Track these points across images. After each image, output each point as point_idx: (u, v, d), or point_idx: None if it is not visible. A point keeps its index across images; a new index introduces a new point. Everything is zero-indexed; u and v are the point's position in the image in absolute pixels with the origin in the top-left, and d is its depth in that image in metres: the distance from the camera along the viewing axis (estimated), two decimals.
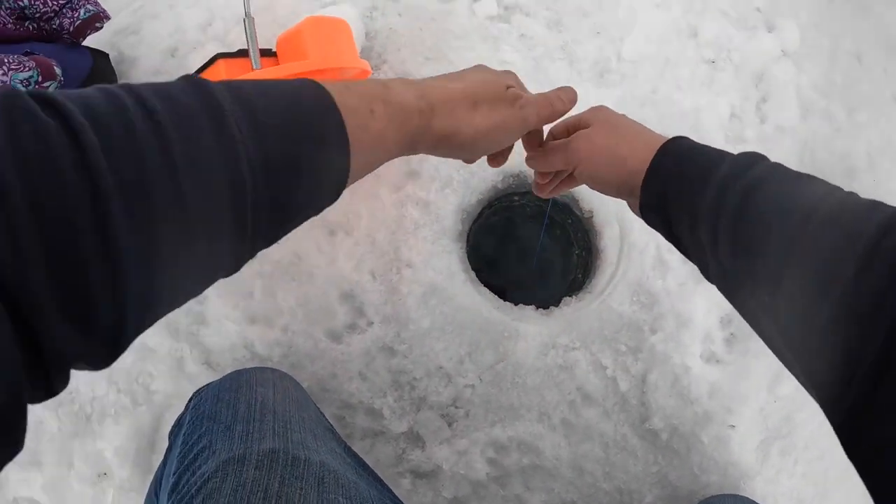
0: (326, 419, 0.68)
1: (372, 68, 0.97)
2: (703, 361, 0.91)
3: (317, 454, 0.53)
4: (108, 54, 1.00)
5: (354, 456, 0.64)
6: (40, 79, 0.83)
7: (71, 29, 0.92)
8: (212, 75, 0.76)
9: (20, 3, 0.87)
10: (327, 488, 0.51)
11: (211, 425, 0.56)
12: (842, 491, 0.97)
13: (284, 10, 1.04)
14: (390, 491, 0.63)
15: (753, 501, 0.81)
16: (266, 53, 0.79)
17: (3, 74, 0.79)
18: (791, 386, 0.95)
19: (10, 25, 0.87)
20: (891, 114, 1.29)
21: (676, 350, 0.88)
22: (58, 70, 0.85)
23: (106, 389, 0.92)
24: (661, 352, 0.88)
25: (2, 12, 0.86)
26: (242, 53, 0.77)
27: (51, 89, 0.78)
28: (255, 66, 0.77)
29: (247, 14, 0.77)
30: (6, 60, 0.80)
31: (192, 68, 1.01)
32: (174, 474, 0.54)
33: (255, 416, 0.56)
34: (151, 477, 0.84)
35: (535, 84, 0.98)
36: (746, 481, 0.92)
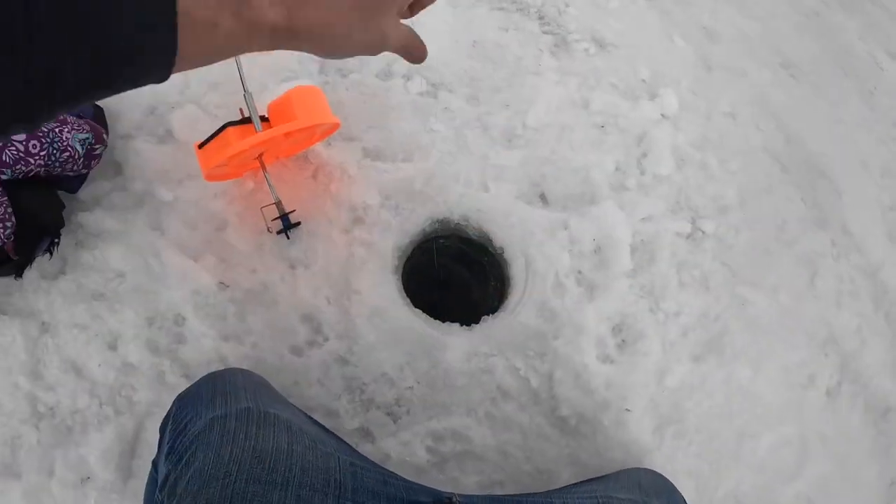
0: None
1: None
2: (599, 361, 1.10)
3: (284, 413, 0.67)
4: (102, 108, 1.09)
5: (316, 422, 0.77)
6: (94, 141, 0.95)
7: None
8: (221, 141, 0.92)
9: None
10: (295, 436, 0.63)
11: (196, 403, 0.67)
12: (733, 468, 1.12)
13: (253, 83, 1.15)
14: (349, 445, 0.76)
15: (656, 472, 0.90)
16: (262, 119, 0.95)
17: (69, 132, 0.90)
18: (677, 378, 1.13)
19: None
20: (762, 161, 1.52)
21: (576, 352, 1.08)
22: (106, 137, 0.97)
23: (88, 402, 0.98)
24: (563, 354, 1.08)
25: None
26: (246, 121, 0.93)
27: (99, 152, 0.94)
28: (257, 129, 0.93)
29: (245, 90, 0.94)
30: (69, 121, 0.91)
31: (170, 125, 1.14)
32: (168, 443, 0.65)
33: (229, 391, 0.68)
34: (133, 481, 0.95)
35: (456, 148, 1.21)
36: (647, 457, 1.07)
